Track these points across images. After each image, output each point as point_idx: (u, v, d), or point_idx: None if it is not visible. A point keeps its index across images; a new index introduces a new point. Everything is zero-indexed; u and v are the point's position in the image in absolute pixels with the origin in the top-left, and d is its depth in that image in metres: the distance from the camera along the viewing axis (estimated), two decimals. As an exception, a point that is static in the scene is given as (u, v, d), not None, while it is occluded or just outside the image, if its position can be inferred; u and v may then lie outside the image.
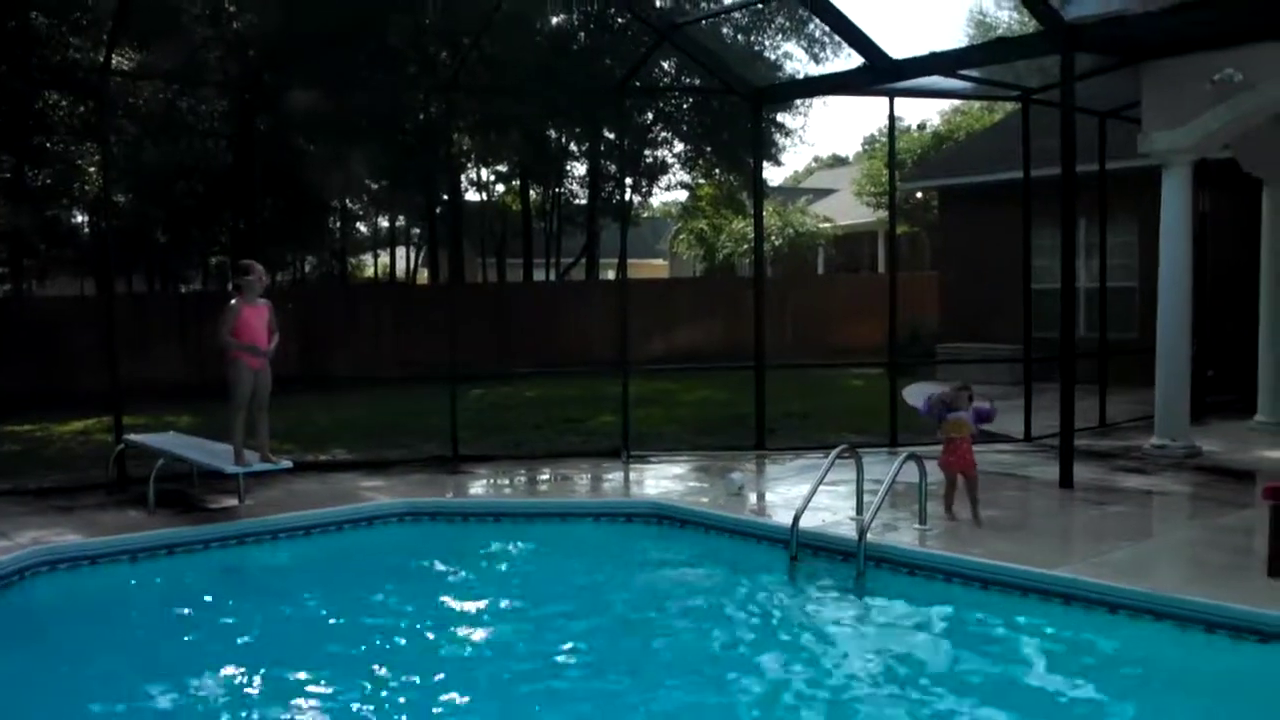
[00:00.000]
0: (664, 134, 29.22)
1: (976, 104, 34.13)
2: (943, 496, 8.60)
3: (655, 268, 44.35)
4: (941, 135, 36.46)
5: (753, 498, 9.90)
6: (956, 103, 37.03)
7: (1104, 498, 9.48)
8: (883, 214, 31.61)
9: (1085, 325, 15.43)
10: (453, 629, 7.13)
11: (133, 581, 8.03)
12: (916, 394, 11.54)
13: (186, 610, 7.46)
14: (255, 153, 16.47)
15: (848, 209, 37.88)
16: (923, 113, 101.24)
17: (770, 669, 6.28)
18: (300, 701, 5.83)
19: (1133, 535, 8.40)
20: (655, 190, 33.21)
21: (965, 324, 19.72)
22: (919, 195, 31.00)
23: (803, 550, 7.98)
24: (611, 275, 31.95)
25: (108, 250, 13.29)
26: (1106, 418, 13.27)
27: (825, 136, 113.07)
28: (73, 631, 7.10)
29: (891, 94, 12.41)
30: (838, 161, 62.87)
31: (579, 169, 30.28)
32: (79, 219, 24.62)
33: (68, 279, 27.20)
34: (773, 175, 43.97)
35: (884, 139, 23.18)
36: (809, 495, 8.11)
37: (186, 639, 6.86)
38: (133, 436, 10.64)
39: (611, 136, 25.98)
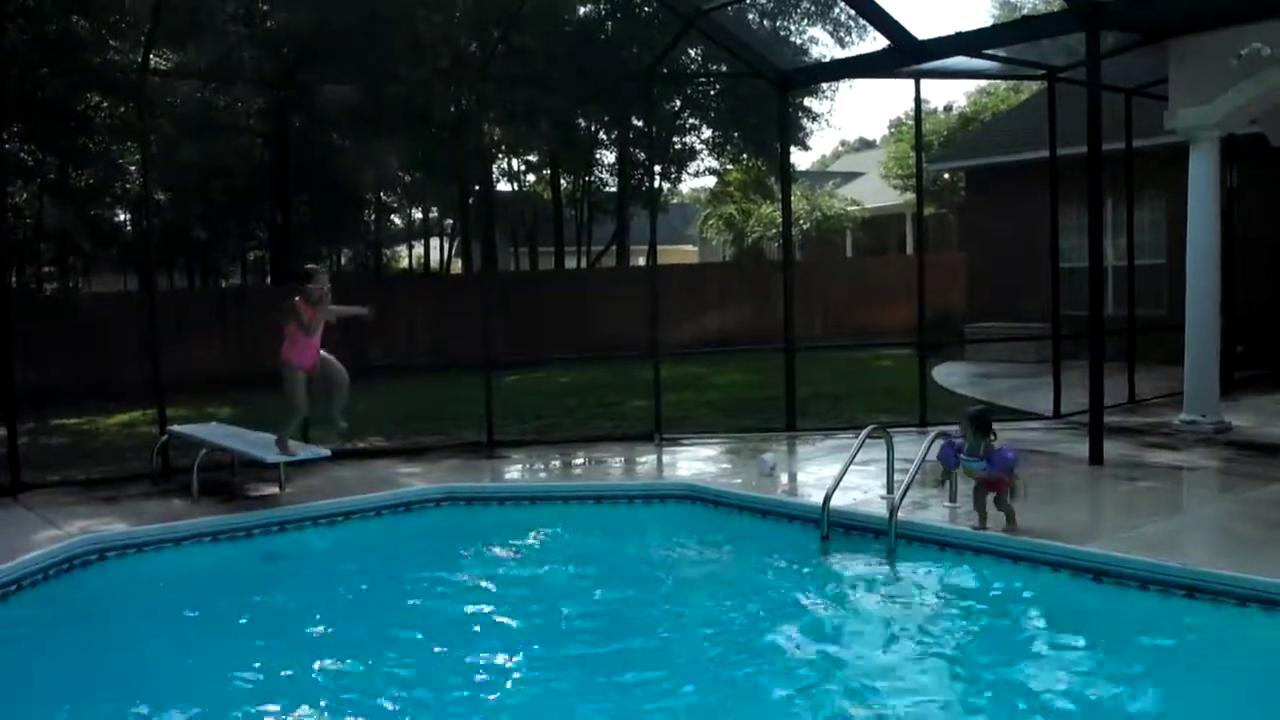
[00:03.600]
0: (692, 120, 29.28)
1: (1002, 85, 33.95)
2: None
3: (685, 253, 44.36)
4: (967, 116, 36.21)
5: (784, 478, 10.00)
6: (982, 84, 36.83)
7: (1134, 474, 9.53)
8: (910, 196, 31.43)
9: (1113, 303, 15.43)
10: (494, 609, 7.24)
11: (178, 568, 8.20)
12: (946, 375, 11.36)
13: (232, 596, 7.59)
14: (290, 149, 16.67)
15: (875, 192, 37.73)
16: (948, 94, 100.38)
17: (805, 643, 6.39)
18: (347, 683, 5.97)
19: (1163, 511, 8.46)
20: (684, 176, 33.31)
21: (993, 303, 19.73)
22: (946, 176, 30.85)
23: (834, 529, 8.09)
24: (642, 261, 32.04)
25: (149, 247, 13.54)
26: (1135, 394, 13.28)
27: (852, 120, 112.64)
28: (120, 617, 7.27)
29: (917, 75, 12.43)
30: (864, 145, 62.55)
31: (608, 157, 30.42)
32: (121, 217, 24.95)
33: (111, 276, 27.58)
34: (800, 159, 43.89)
35: (910, 121, 23.14)
36: (840, 475, 8.20)
37: (233, 624, 7.00)
38: (176, 428, 10.85)
39: (640, 124, 26.07)
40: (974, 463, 7.68)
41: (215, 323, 20.00)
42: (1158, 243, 16.91)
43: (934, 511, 8.27)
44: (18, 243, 20.96)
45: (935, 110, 40.40)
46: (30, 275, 23.28)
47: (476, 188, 26.18)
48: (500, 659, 6.32)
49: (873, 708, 5.46)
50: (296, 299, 9.34)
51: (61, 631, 6.98)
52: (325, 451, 9.86)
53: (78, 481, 10.59)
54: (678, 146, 29.87)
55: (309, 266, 9.74)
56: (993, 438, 7.68)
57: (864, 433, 8.40)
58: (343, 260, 30.73)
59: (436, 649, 6.50)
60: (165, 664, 6.37)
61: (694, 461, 10.99)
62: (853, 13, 21.29)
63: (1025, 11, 36.14)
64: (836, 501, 8.13)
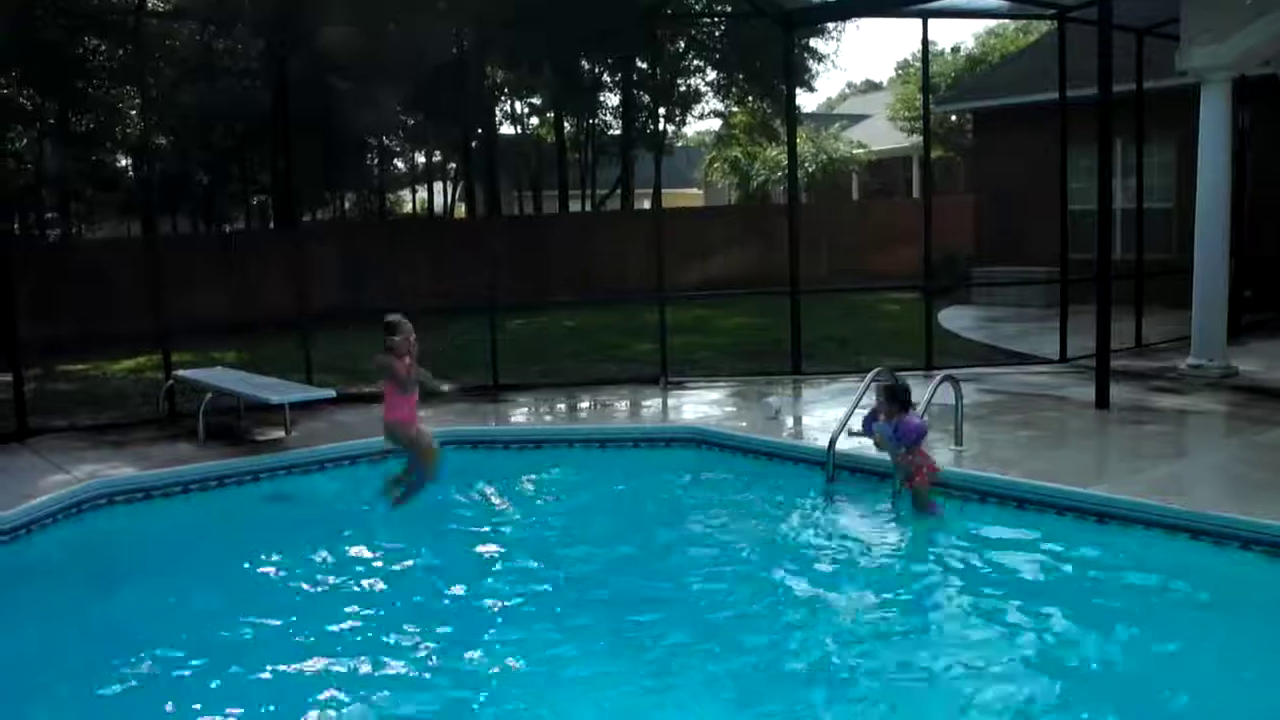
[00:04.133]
0: (696, 62, 29.04)
1: (1011, 26, 33.53)
2: None
3: (690, 197, 44.15)
4: (976, 58, 35.87)
5: (790, 421, 10.02)
6: (991, 24, 36.37)
7: (1140, 417, 9.52)
8: (917, 139, 31.23)
9: (1122, 246, 15.34)
10: (499, 550, 7.30)
11: (186, 511, 8.24)
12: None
13: (240, 538, 7.64)
14: (290, 92, 16.51)
15: (882, 134, 37.45)
16: (956, 35, 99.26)
17: (810, 582, 6.43)
18: (356, 619, 6.03)
19: (1169, 454, 8.47)
20: (689, 119, 33.11)
21: (1001, 247, 19.62)
22: (953, 119, 30.62)
23: (839, 471, 8.11)
24: (646, 205, 31.93)
25: (150, 192, 13.46)
26: (1142, 339, 13.25)
27: (858, 62, 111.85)
28: (129, 560, 7.31)
29: (925, 15, 12.28)
30: (871, 87, 62.07)
31: (612, 100, 30.20)
32: (123, 162, 24.84)
33: (114, 222, 27.50)
34: (806, 101, 43.37)
35: (917, 63, 22.69)
36: (845, 417, 8.19)
37: (241, 566, 7.03)
38: (181, 373, 10.88)
39: (644, 66, 25.84)
40: (883, 427, 7.51)
41: (219, 268, 19.94)
42: (1167, 186, 16.79)
43: (940, 454, 8.24)
44: (19, 189, 20.88)
45: (943, 52, 40.07)
46: (33, 222, 23.21)
47: (479, 131, 26.00)
48: (506, 599, 6.36)
49: (873, 650, 5.50)
50: (386, 354, 8.16)
51: (70, 574, 7.03)
52: (329, 392, 9.86)
53: (85, 427, 10.62)
54: (682, 89, 29.64)
55: (390, 318, 8.23)
56: (909, 411, 7.43)
57: (869, 376, 8.39)
58: (347, 205, 30.61)
59: (444, 590, 6.54)
60: (173, 606, 6.40)
61: (699, 405, 10.99)
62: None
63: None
64: (842, 444, 8.13)
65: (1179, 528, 6.63)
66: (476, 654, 5.59)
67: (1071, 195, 13.14)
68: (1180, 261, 12.72)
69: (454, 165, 33.43)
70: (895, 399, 7.45)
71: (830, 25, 28.45)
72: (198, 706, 5.06)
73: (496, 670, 5.42)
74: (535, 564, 7.02)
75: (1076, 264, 12.88)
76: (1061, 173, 12.73)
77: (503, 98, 29.20)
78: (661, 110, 28.07)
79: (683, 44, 27.56)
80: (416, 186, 37.56)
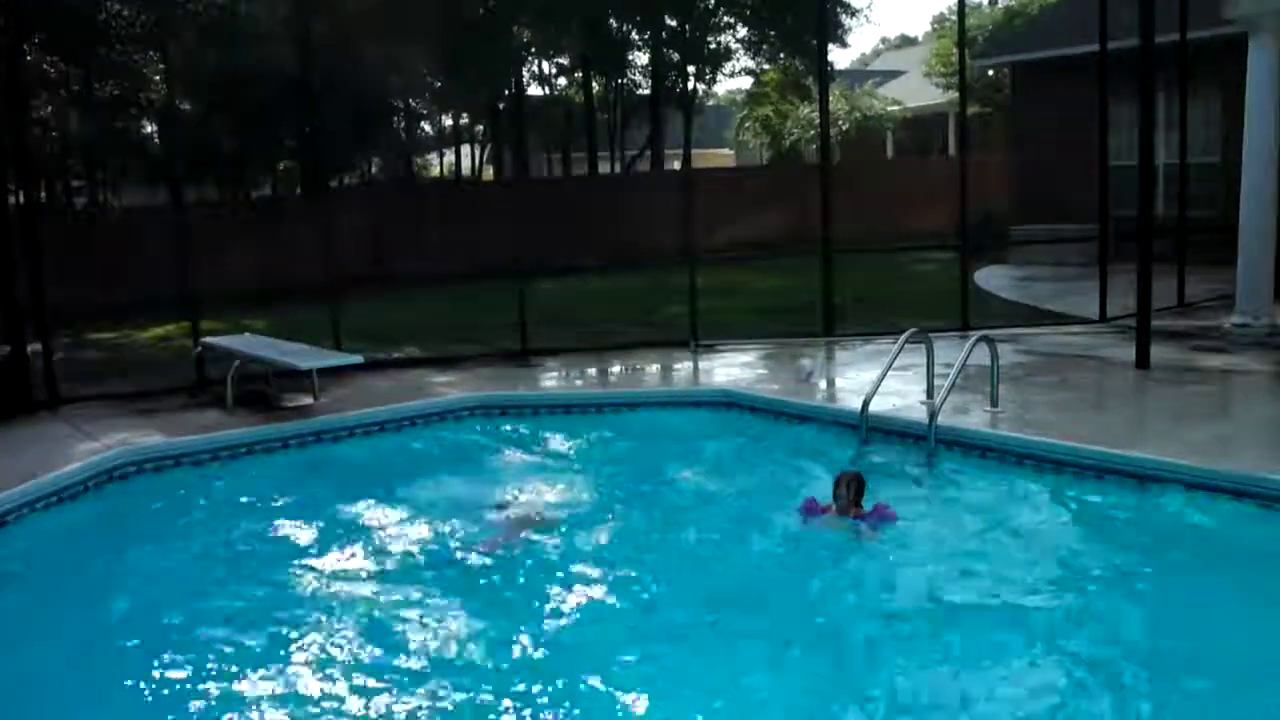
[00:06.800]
0: (727, 19, 28.67)
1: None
2: None
3: (721, 157, 43.81)
4: (1014, 10, 35.22)
5: (822, 383, 9.92)
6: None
7: (1182, 378, 9.34)
8: (953, 95, 30.76)
9: (1164, 203, 15.01)
10: (529, 513, 7.22)
11: (215, 478, 8.21)
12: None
13: (270, 505, 7.62)
14: (316, 55, 16.37)
15: (917, 91, 36.93)
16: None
17: (842, 544, 6.35)
18: (386, 587, 5.99)
19: (1212, 415, 8.30)
20: (719, 78, 32.74)
21: (1039, 205, 19.27)
22: (990, 74, 30.10)
23: (873, 434, 8.00)
24: (677, 166, 31.69)
25: (175, 159, 13.41)
26: (1185, 297, 12.96)
27: (893, 16, 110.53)
28: (159, 527, 7.30)
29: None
30: (906, 42, 61.31)
31: (641, 59, 29.90)
32: (148, 129, 24.84)
33: (141, 189, 27.55)
34: (839, 58, 43.05)
35: (953, 16, 22.29)
36: (879, 379, 8.07)
37: (272, 533, 7.03)
38: (210, 339, 10.85)
39: (673, 23, 25.56)
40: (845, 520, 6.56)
41: (247, 234, 19.92)
42: (1212, 140, 16.41)
43: (974, 416, 8.14)
44: (46, 156, 20.91)
45: (980, 4, 39.32)
46: (60, 190, 23.27)
47: (506, 93, 25.83)
48: (544, 559, 6.36)
49: (909, 609, 5.44)
50: None
51: (101, 541, 7.04)
52: (357, 358, 9.82)
53: (115, 395, 10.61)
54: (712, 46, 29.30)
55: None
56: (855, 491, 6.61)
57: (903, 337, 8.24)
58: (374, 169, 30.53)
59: (475, 553, 6.49)
60: (202, 572, 6.40)
61: (731, 367, 10.88)
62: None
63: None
64: (876, 407, 8.01)
65: (1222, 490, 6.48)
66: (509, 614, 5.56)
67: (1112, 150, 12.84)
68: (1225, 218, 12.43)
69: (481, 128, 33.27)
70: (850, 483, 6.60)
71: (863, -22, 28.05)
72: (210, 673, 5.08)
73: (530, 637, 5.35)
74: (565, 523, 6.94)
75: (1117, 221, 12.61)
76: (1101, 127, 12.43)
77: (530, 58, 28.95)
78: (691, 69, 27.75)
79: (713, 0, 27.22)
80: (444, 150, 37.41)
